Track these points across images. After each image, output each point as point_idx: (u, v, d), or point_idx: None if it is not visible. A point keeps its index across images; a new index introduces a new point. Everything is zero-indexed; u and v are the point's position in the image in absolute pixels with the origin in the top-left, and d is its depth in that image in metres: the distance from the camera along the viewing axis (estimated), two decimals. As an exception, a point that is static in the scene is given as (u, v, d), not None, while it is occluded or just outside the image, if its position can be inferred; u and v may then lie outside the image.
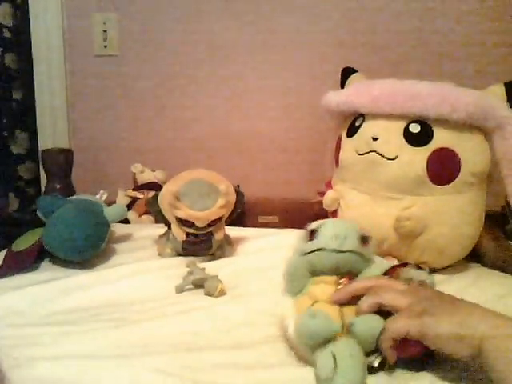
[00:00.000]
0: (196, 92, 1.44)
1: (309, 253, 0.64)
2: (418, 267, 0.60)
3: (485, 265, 0.97)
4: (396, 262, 0.88)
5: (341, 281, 0.62)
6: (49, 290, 0.80)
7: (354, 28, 1.35)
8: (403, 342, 0.52)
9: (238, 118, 1.43)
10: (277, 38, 1.38)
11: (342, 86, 1.07)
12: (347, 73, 1.07)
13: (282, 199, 1.32)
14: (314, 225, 0.65)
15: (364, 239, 0.63)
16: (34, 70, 1.46)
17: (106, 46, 1.44)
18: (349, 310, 0.58)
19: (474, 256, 0.96)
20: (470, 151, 0.86)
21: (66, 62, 1.47)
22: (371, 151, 0.89)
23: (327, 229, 0.64)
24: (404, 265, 0.62)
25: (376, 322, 0.56)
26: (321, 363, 0.53)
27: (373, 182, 0.91)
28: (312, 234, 0.65)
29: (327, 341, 0.55)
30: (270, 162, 1.44)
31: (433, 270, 0.90)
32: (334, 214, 1.01)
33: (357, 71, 1.06)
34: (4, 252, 0.94)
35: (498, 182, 0.88)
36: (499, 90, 0.89)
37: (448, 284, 0.87)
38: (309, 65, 1.38)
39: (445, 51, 1.32)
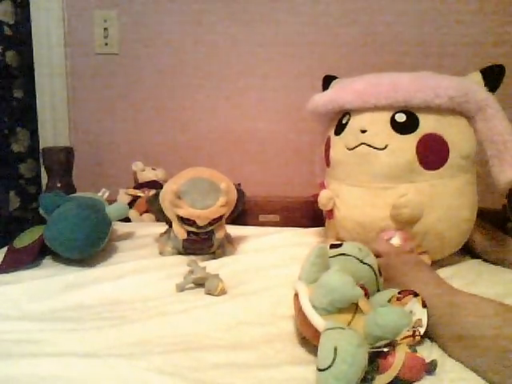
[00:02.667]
0: (196, 91, 1.44)
1: (332, 257, 0.68)
2: (423, 303, 0.64)
3: (479, 255, 1.00)
4: None
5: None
6: (49, 286, 0.81)
7: (353, 28, 1.35)
8: (411, 366, 0.54)
9: (238, 117, 1.43)
10: (277, 38, 1.38)
11: None
12: (328, 80, 1.12)
13: (283, 198, 1.32)
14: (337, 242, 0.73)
15: (379, 272, 0.70)
16: (35, 68, 1.46)
17: (106, 44, 1.44)
18: (360, 318, 0.60)
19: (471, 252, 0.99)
20: (456, 135, 0.89)
21: (67, 60, 1.47)
22: (361, 144, 0.90)
23: (352, 243, 0.72)
24: (415, 294, 0.66)
25: (400, 316, 0.58)
26: (322, 354, 0.54)
27: (366, 175, 0.92)
28: (335, 247, 0.70)
29: (342, 305, 0.59)
30: (271, 161, 1.44)
31: (434, 263, 0.91)
32: (330, 213, 1.00)
33: (337, 77, 1.10)
34: (5, 249, 0.94)
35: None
36: (476, 77, 0.93)
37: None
38: (309, 65, 1.38)
39: (445, 51, 1.33)
